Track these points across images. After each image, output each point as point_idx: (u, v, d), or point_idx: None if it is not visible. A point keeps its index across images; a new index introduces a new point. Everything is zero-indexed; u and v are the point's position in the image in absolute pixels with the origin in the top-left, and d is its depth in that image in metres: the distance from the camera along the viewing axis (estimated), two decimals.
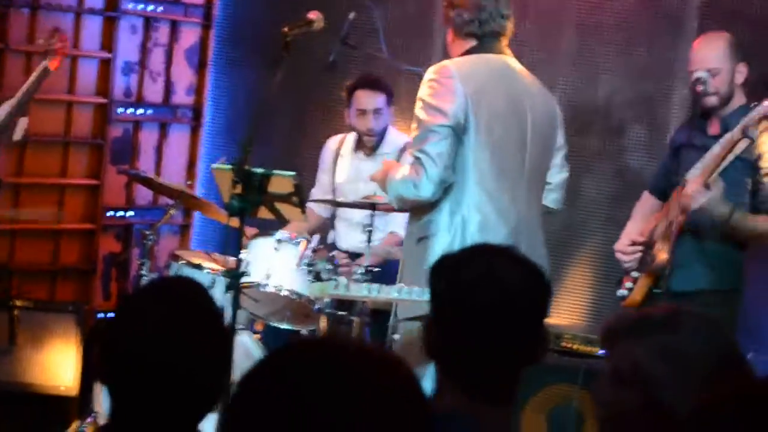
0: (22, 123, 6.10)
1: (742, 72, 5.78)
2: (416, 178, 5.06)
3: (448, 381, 2.93)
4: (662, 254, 5.72)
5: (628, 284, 5.92)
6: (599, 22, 7.57)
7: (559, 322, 7.47)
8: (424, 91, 5.20)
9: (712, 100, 5.76)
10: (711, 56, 5.79)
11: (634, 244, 5.95)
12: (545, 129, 5.49)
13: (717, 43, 5.87)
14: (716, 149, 5.48)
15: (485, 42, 5.40)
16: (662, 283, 5.61)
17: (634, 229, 6.06)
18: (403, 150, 5.91)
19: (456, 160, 5.17)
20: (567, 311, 7.59)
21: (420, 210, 5.24)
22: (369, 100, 6.72)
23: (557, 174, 5.65)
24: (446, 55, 7.59)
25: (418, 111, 5.17)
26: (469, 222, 5.24)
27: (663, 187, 6.06)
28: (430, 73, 5.28)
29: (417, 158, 5.08)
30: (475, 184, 5.23)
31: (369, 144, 6.82)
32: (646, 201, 6.23)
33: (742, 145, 5.43)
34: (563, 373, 6.60)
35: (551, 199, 5.69)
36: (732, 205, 5.51)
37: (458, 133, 5.14)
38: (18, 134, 6.07)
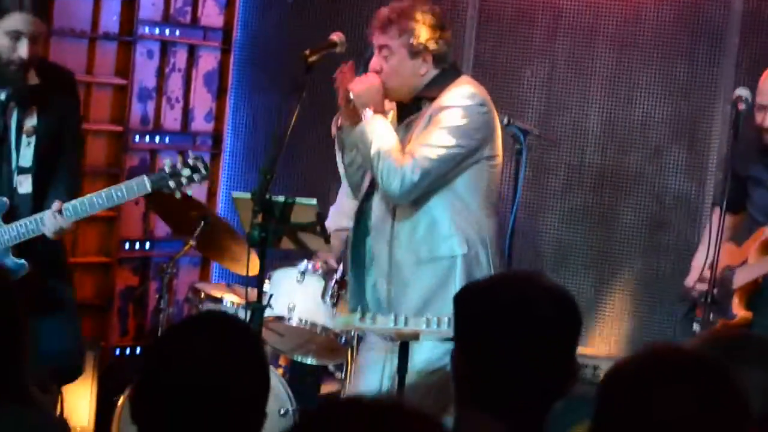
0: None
1: None
2: (407, 176, 5.20)
3: (475, 411, 2.90)
4: (745, 312, 5.74)
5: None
6: (636, 39, 7.60)
7: (597, 352, 7.46)
8: (462, 116, 5.30)
9: None
10: None
11: (702, 280, 5.86)
12: None
13: None
14: None
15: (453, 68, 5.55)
16: None
17: (701, 261, 5.88)
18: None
19: (467, 179, 5.36)
20: (604, 341, 7.58)
21: (429, 229, 5.33)
22: None
23: None
24: (476, 78, 7.58)
25: (447, 124, 5.27)
26: (487, 245, 5.44)
27: (737, 201, 5.89)
28: (467, 95, 5.37)
29: (422, 161, 5.20)
30: (489, 206, 5.50)
31: None
32: (717, 218, 6.10)
33: None
34: None
35: None
36: None
37: (468, 156, 5.35)
38: None
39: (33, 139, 5.69)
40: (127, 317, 7.27)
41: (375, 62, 5.38)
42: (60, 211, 5.48)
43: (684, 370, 2.54)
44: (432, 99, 5.38)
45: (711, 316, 5.73)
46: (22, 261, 5.70)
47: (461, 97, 5.35)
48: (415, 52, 5.33)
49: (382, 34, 5.34)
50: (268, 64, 8.05)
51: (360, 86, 5.30)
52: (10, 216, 5.63)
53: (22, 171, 5.70)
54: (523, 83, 7.71)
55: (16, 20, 5.50)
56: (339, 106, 5.41)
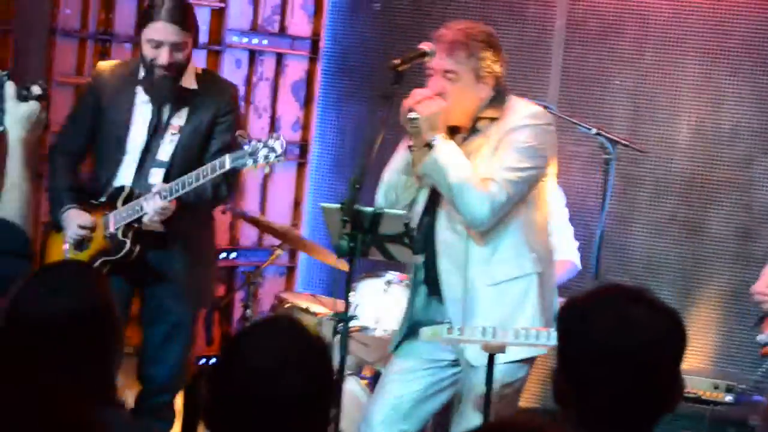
0: (81, 220, 6.09)
1: None
2: (495, 202, 5.17)
3: (574, 427, 2.92)
4: None
5: None
6: (724, 48, 7.56)
7: (687, 366, 7.29)
8: (533, 136, 5.29)
9: None
10: None
11: None
12: None
13: None
14: None
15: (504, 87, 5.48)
16: None
17: None
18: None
19: (533, 198, 5.37)
20: (692, 354, 7.47)
21: (507, 250, 5.32)
22: None
23: None
24: (564, 88, 7.58)
25: (526, 150, 5.24)
26: (552, 260, 5.59)
27: None
28: (536, 115, 5.41)
29: (506, 185, 5.18)
30: (546, 221, 5.56)
31: None
32: None
33: None
34: (688, 420, 6.51)
35: None
36: None
37: (544, 175, 5.39)
38: (72, 230, 6.05)
39: (176, 137, 6.03)
40: (212, 326, 7.24)
41: (438, 85, 5.28)
42: (159, 194, 5.78)
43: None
44: (492, 119, 5.33)
45: None
46: (126, 240, 5.98)
47: (530, 117, 5.33)
48: (480, 76, 5.29)
49: (448, 57, 5.26)
50: (356, 73, 8.07)
51: (427, 109, 5.18)
52: (128, 201, 5.96)
53: (158, 164, 6.03)
54: (611, 93, 7.70)
55: (157, 30, 5.86)
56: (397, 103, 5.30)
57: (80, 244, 5.98)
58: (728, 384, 6.79)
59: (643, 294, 3.03)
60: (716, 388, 6.78)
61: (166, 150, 6.07)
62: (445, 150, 5.17)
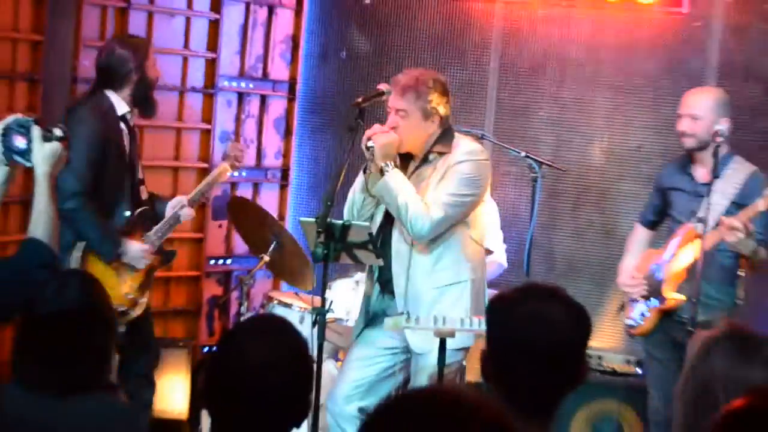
0: (140, 251, 6.00)
1: (723, 125, 5.76)
2: (427, 220, 5.21)
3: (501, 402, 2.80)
4: (676, 295, 5.80)
5: (636, 315, 5.97)
6: (629, 84, 7.56)
7: (602, 345, 7.42)
8: (471, 169, 5.34)
9: (688, 142, 5.83)
10: (696, 104, 5.84)
11: (635, 278, 6.02)
12: None
13: (705, 95, 5.93)
14: (760, 204, 5.49)
15: (449, 127, 5.48)
16: (686, 316, 5.63)
17: (631, 263, 6.13)
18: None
19: (471, 218, 5.44)
20: (608, 336, 7.51)
21: (447, 260, 5.38)
22: None
23: None
24: (498, 119, 7.65)
25: (465, 180, 5.31)
26: (483, 269, 5.60)
27: (654, 220, 6.16)
28: (475, 152, 5.42)
29: (445, 207, 5.24)
30: (482, 237, 5.60)
31: None
32: (637, 233, 6.28)
33: (762, 207, 5.50)
34: (605, 390, 6.61)
35: None
36: (756, 243, 5.57)
37: (479, 201, 5.43)
38: (137, 262, 5.98)
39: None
40: (213, 320, 7.10)
41: (392, 121, 5.30)
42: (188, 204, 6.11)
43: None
44: (441, 153, 5.34)
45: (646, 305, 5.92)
46: (171, 250, 6.18)
47: (471, 153, 5.35)
48: (427, 115, 5.31)
49: (401, 97, 5.29)
50: (326, 110, 8.00)
51: (382, 139, 5.22)
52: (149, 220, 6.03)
53: (141, 183, 6.05)
54: (537, 122, 7.68)
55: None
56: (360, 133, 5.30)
57: (132, 267, 5.91)
58: (637, 359, 6.85)
59: (556, 291, 3.03)
60: (628, 362, 6.87)
61: (140, 168, 6.09)
62: (395, 176, 5.23)
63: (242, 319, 6.33)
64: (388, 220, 5.44)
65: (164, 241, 6.09)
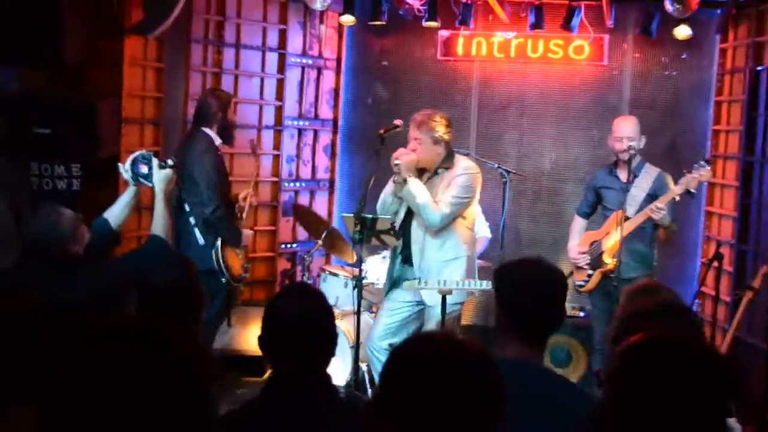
0: (247, 234, 5.95)
1: (642, 141, 5.83)
2: (437, 214, 5.18)
3: (511, 338, 2.84)
4: (613, 260, 5.72)
5: (583, 278, 5.97)
6: (568, 115, 7.57)
7: None
8: (468, 180, 5.27)
9: (625, 156, 5.81)
10: (632, 129, 5.82)
11: (581, 252, 5.96)
12: None
13: (634, 121, 5.91)
14: (677, 189, 5.54)
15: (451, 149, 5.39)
16: (615, 275, 5.61)
17: (575, 243, 6.12)
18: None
19: (467, 214, 5.34)
20: None
21: (450, 242, 5.28)
22: None
23: None
24: (479, 142, 7.54)
25: (463, 188, 5.25)
26: (474, 248, 5.50)
27: (588, 212, 6.12)
28: (470, 167, 5.33)
29: (449, 206, 5.20)
30: (473, 226, 5.49)
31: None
32: (576, 222, 6.25)
33: (679, 191, 5.54)
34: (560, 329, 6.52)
35: None
36: (671, 218, 5.63)
37: (472, 202, 5.35)
38: (245, 241, 5.89)
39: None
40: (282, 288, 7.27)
41: (412, 145, 5.24)
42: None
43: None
44: (446, 168, 5.28)
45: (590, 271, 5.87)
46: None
47: (467, 168, 5.30)
48: (436, 141, 5.25)
49: (417, 130, 5.25)
50: (360, 138, 7.93)
51: (406, 159, 5.17)
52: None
53: None
54: (505, 143, 7.67)
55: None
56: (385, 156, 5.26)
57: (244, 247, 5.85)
58: (581, 306, 6.82)
59: (539, 259, 3.01)
60: (573, 308, 6.82)
61: None
62: (415, 184, 5.19)
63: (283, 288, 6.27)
64: (409, 214, 5.39)
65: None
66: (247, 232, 5.91)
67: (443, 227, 5.27)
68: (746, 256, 6.64)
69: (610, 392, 1.90)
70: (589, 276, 5.89)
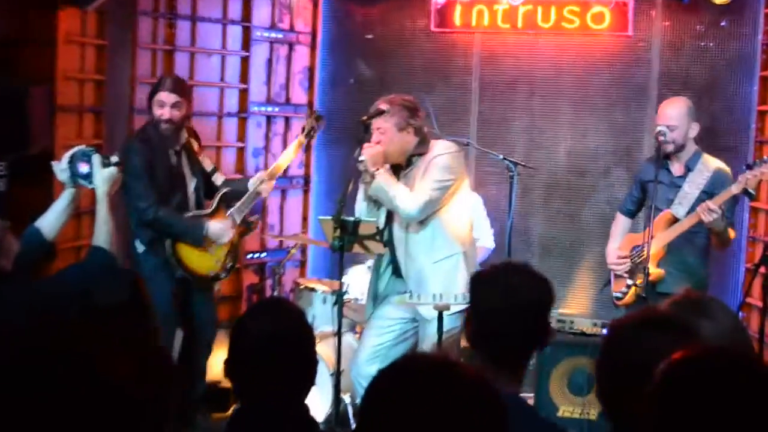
0: (216, 227, 6.09)
1: (694, 129, 5.80)
2: (413, 203, 5.22)
3: (482, 359, 2.88)
4: (658, 270, 5.73)
5: (622, 289, 5.90)
6: (587, 95, 7.59)
7: (572, 311, 7.43)
8: (447, 160, 5.33)
9: (669, 148, 5.78)
10: (672, 114, 5.80)
11: (620, 257, 5.92)
12: None
13: (678, 105, 5.88)
14: (733, 188, 5.51)
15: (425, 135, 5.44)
16: (643, 285, 5.58)
17: (615, 246, 6.08)
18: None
19: (455, 203, 5.38)
20: (577, 303, 7.57)
21: (438, 239, 5.32)
22: None
23: None
24: (480, 129, 7.58)
25: (442, 169, 5.30)
26: (471, 244, 5.52)
27: (633, 210, 6.11)
28: (449, 146, 5.42)
29: (429, 191, 5.24)
30: (468, 219, 5.50)
31: None
32: (619, 221, 6.25)
33: (736, 190, 5.50)
34: (578, 348, 6.56)
35: None
36: (726, 221, 5.58)
37: (454, 185, 5.36)
38: (216, 236, 6.06)
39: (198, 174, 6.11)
40: (251, 304, 7.28)
41: (376, 137, 5.32)
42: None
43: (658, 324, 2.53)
44: (421, 155, 5.34)
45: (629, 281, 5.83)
46: (252, 221, 6.26)
47: (445, 148, 5.36)
48: (401, 128, 5.30)
49: (379, 118, 5.33)
50: (338, 126, 7.96)
51: (369, 152, 5.24)
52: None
53: (213, 173, 6.26)
54: (512, 131, 7.68)
55: (161, 95, 5.85)
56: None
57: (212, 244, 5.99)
58: (603, 322, 6.78)
59: (525, 267, 3.04)
60: (595, 325, 6.82)
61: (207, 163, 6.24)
62: (383, 176, 5.24)
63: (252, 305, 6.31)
64: (389, 219, 5.43)
65: (247, 214, 6.19)
66: (220, 226, 6.00)
67: (426, 221, 5.30)
68: None
69: (649, 420, 1.88)
70: (628, 287, 5.82)
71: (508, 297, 2.91)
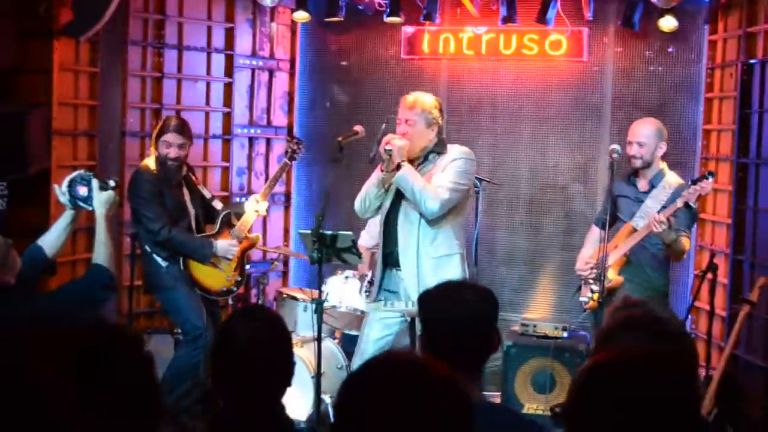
0: (224, 246, 6.31)
1: (662, 148, 5.84)
2: (437, 200, 5.19)
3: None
4: (617, 278, 5.76)
5: (589, 294, 5.91)
6: (546, 116, 7.58)
7: (535, 315, 7.45)
8: (467, 166, 5.35)
9: (636, 163, 5.83)
10: (643, 132, 5.85)
11: (588, 264, 5.98)
12: None
13: (648, 125, 5.91)
14: (678, 203, 5.51)
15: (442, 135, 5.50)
16: (600, 291, 5.60)
17: (587, 254, 6.08)
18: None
19: (461, 205, 5.37)
20: (540, 308, 7.54)
21: (442, 238, 5.30)
22: None
23: None
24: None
25: (462, 173, 5.31)
26: (466, 245, 5.48)
27: (604, 221, 6.09)
28: (468, 153, 5.43)
29: (448, 191, 5.22)
30: (466, 221, 5.54)
31: None
32: (592, 231, 6.25)
33: (680, 205, 5.51)
34: (540, 350, 6.61)
35: None
36: (675, 232, 5.57)
37: (469, 188, 5.41)
38: (221, 253, 6.29)
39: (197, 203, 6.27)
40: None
41: (403, 129, 5.29)
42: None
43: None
44: (439, 153, 5.35)
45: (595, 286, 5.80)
46: (257, 234, 6.53)
47: (463, 153, 5.39)
48: (429, 124, 5.33)
49: (409, 110, 5.32)
50: (316, 146, 7.93)
51: (399, 143, 5.20)
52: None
53: (212, 199, 6.41)
54: (478, 149, 7.39)
55: (168, 136, 6.01)
56: (379, 157, 5.30)
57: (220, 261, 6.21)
58: (564, 325, 6.82)
59: (468, 284, 3.08)
60: (556, 328, 6.87)
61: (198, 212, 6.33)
62: (408, 169, 5.22)
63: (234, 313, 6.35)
64: (394, 205, 5.40)
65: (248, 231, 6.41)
66: (227, 243, 6.19)
67: (438, 219, 5.29)
68: (743, 267, 6.67)
69: (568, 416, 1.93)
70: (593, 292, 5.82)
71: (455, 310, 2.93)
